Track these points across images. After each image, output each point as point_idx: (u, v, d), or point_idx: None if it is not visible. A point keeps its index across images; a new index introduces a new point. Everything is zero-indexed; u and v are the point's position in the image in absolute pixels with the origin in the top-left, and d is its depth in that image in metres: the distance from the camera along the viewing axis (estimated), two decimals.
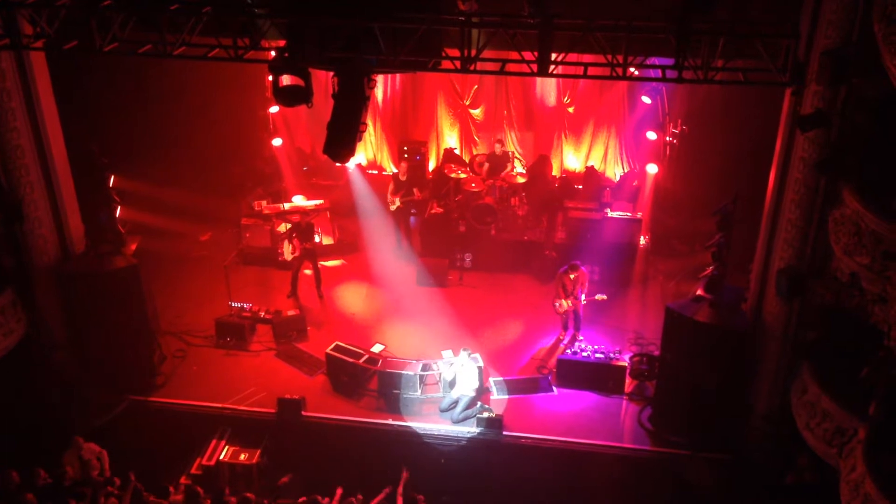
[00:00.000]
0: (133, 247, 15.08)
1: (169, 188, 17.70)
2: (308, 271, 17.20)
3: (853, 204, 10.22)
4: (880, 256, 9.82)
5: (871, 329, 10.32)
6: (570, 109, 19.68)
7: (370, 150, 20.74)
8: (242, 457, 13.39)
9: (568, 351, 15.12)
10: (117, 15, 11.69)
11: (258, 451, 13.44)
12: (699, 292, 13.47)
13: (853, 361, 10.63)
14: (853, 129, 10.77)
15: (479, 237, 18.03)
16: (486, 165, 19.05)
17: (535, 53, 11.30)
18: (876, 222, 9.86)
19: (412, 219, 18.89)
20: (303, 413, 14.00)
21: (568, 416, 14.20)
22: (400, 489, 11.94)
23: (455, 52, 11.59)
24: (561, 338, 15.78)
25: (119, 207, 14.69)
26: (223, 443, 13.66)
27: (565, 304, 15.41)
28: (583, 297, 15.36)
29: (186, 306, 16.58)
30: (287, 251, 17.60)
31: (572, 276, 15.33)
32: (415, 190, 18.24)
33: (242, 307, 16.12)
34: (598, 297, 15.29)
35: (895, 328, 8.91)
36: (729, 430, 13.14)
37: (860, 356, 10.51)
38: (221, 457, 13.40)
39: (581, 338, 15.56)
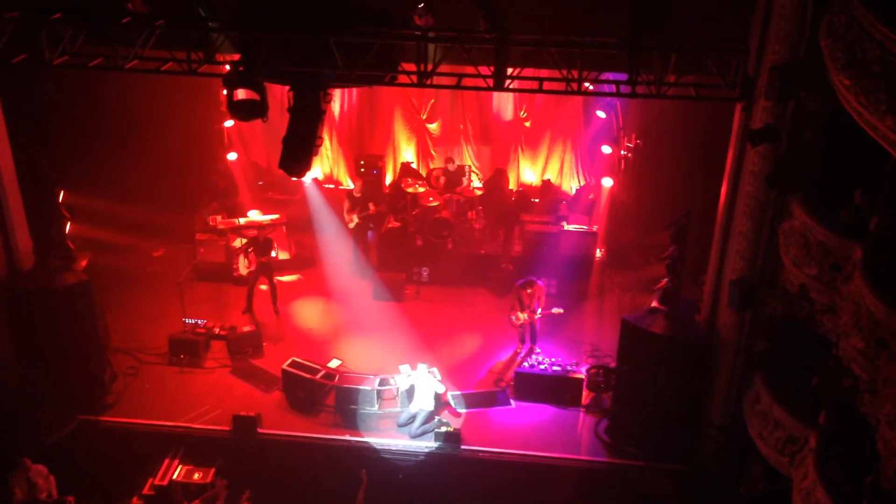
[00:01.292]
0: (84, 263, 14.79)
1: (121, 203, 17.42)
2: (264, 286, 17.04)
3: (802, 217, 10.41)
4: (828, 268, 10.01)
5: (821, 339, 10.51)
6: (527, 124, 19.82)
7: (326, 164, 20.66)
8: (196, 476, 13.17)
9: (525, 364, 15.16)
10: (67, 28, 11.52)
11: (212, 470, 13.24)
12: (654, 304, 13.63)
13: (804, 371, 10.82)
14: (802, 144, 10.99)
15: (435, 251, 18.04)
16: (443, 179, 19.10)
17: (492, 68, 11.38)
18: (824, 234, 10.05)
19: (369, 233, 18.84)
20: (258, 430, 13.83)
21: (525, 429, 14.22)
22: (361, 496, 11.88)
23: (411, 67, 11.63)
24: (518, 351, 15.83)
25: (69, 222, 14.41)
26: (176, 462, 13.44)
27: (522, 317, 15.46)
28: (539, 311, 15.43)
29: (139, 323, 16.30)
30: (242, 266, 17.44)
31: (529, 291, 15.40)
32: (370, 205, 18.20)
33: (197, 323, 15.90)
34: (555, 310, 15.39)
35: (843, 338, 9.08)
36: (684, 441, 13.27)
37: (811, 366, 10.70)
38: (175, 476, 13.18)
39: (538, 351, 15.61)
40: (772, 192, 11.33)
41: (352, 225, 18.12)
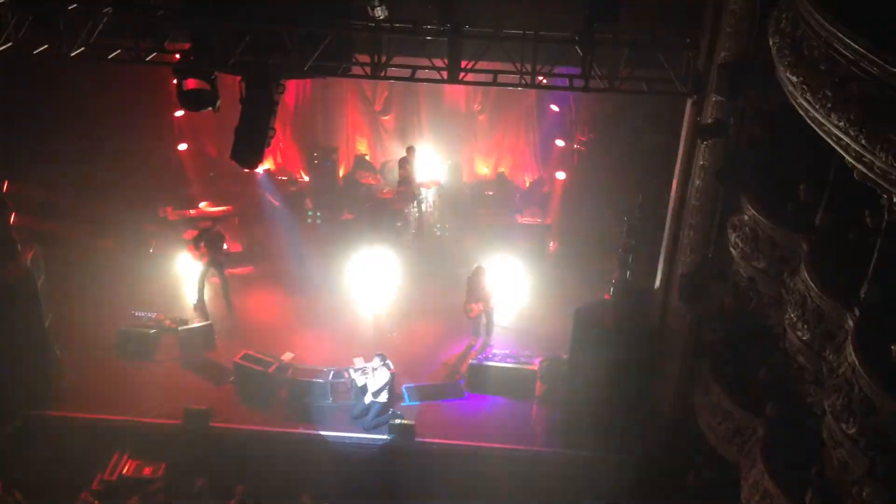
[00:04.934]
0: (28, 255, 14.45)
1: (69, 193, 17.06)
2: (215, 279, 16.82)
3: (750, 211, 10.59)
4: (776, 261, 10.21)
5: (769, 331, 10.72)
6: (481, 117, 19.84)
7: (279, 156, 20.45)
8: (146, 470, 12.99)
9: (479, 356, 15.20)
10: (11, 15, 11.23)
11: (163, 465, 13.07)
12: (606, 297, 13.76)
13: (752, 362, 11.03)
14: (750, 139, 11.18)
15: (390, 243, 17.94)
16: (397, 171, 19.04)
17: (446, 61, 11.37)
18: (771, 228, 10.24)
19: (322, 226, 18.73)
20: (210, 424, 13.68)
21: (479, 421, 14.30)
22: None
23: (365, 59, 11.56)
24: (472, 343, 15.87)
25: (13, 214, 14.06)
26: (126, 456, 13.24)
27: (475, 307, 15.51)
28: (492, 300, 15.48)
29: (87, 316, 15.97)
30: (194, 258, 17.17)
31: (479, 279, 15.45)
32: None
33: (147, 316, 15.65)
34: (508, 301, 15.49)
35: (790, 330, 9.27)
36: (635, 432, 13.44)
37: (758, 357, 10.92)
38: (124, 471, 12.99)
39: (491, 344, 15.67)
40: (721, 187, 11.51)
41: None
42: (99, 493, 12.66)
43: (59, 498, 12.19)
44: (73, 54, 11.50)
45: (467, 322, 15.81)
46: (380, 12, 11.44)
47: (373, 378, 14.02)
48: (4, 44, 11.48)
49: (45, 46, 11.64)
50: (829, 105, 7.49)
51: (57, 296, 15.22)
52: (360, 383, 14.11)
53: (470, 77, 11.78)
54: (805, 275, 9.03)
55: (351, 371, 14.27)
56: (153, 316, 15.72)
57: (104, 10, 11.34)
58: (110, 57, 11.80)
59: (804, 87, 7.92)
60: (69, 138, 17.43)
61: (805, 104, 7.96)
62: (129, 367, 15.01)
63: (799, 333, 9.07)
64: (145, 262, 17.46)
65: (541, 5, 11.84)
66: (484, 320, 15.81)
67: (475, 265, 15.68)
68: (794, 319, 9.16)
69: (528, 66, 11.55)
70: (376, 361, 14.10)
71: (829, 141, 7.74)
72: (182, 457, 13.33)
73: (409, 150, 19.17)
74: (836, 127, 7.42)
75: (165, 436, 13.60)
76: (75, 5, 11.32)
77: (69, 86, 16.61)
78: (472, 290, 15.47)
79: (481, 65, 11.74)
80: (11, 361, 13.67)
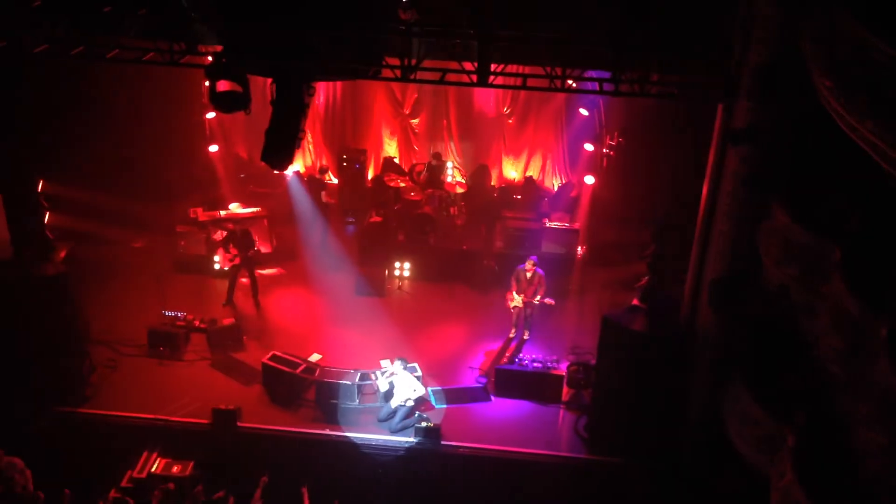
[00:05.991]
0: (62, 254, 14.63)
1: (101, 194, 17.26)
2: (245, 279, 16.96)
3: (782, 217, 10.48)
4: (808, 268, 10.09)
5: (800, 338, 10.59)
6: (510, 120, 19.83)
7: (308, 157, 20.58)
8: (175, 469, 13.10)
9: (508, 361, 15.18)
10: (48, 16, 11.39)
11: (191, 464, 13.17)
12: (634, 302, 13.67)
13: (783, 370, 10.90)
14: (783, 145, 11.06)
15: (417, 247, 18.01)
16: (425, 175, 19.08)
17: (475, 64, 11.37)
18: (803, 235, 10.12)
19: (350, 227, 18.80)
20: (238, 424, 13.77)
21: (505, 425, 14.25)
22: (258, 494, 11.86)
23: (395, 61, 11.59)
24: (510, 337, 15.96)
25: (48, 213, 14.26)
26: (155, 455, 13.36)
27: (517, 298, 15.49)
28: (537, 298, 15.48)
29: (118, 315, 16.16)
30: (223, 259, 17.33)
31: (529, 274, 15.44)
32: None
33: (176, 316, 15.80)
34: (546, 300, 15.45)
35: (822, 338, 9.15)
36: (662, 439, 13.33)
37: (789, 365, 10.79)
38: (153, 469, 13.10)
39: (527, 336, 15.82)
40: (752, 192, 11.40)
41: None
42: (128, 491, 12.76)
43: (88, 495, 12.28)
44: (107, 56, 11.64)
45: (495, 324, 15.79)
46: (410, 15, 11.47)
47: (399, 381, 14.03)
48: (40, 46, 11.64)
49: (81, 48, 11.78)
50: (864, 111, 7.40)
51: (88, 294, 15.41)
52: (383, 389, 14.12)
53: (499, 80, 11.77)
54: (838, 282, 8.91)
55: (378, 373, 14.28)
56: (183, 315, 15.86)
57: (139, 13, 11.47)
58: (144, 59, 11.92)
59: (838, 92, 7.84)
60: (103, 139, 17.67)
61: (839, 109, 7.86)
62: (158, 366, 15.16)
63: (831, 341, 8.96)
64: (175, 261, 17.61)
65: (572, 9, 11.78)
66: (522, 316, 15.83)
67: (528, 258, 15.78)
68: (827, 327, 9.04)
69: (558, 70, 11.52)
70: (397, 366, 14.09)
71: (864, 146, 7.64)
72: (210, 455, 13.41)
73: (436, 155, 19.22)
74: (871, 132, 7.33)
75: (194, 435, 13.69)
76: (111, 7, 11.46)
77: (103, 87, 16.84)
78: (518, 280, 15.55)
79: (511, 68, 11.73)
80: (44, 359, 13.86)
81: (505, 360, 15.48)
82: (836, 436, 9.43)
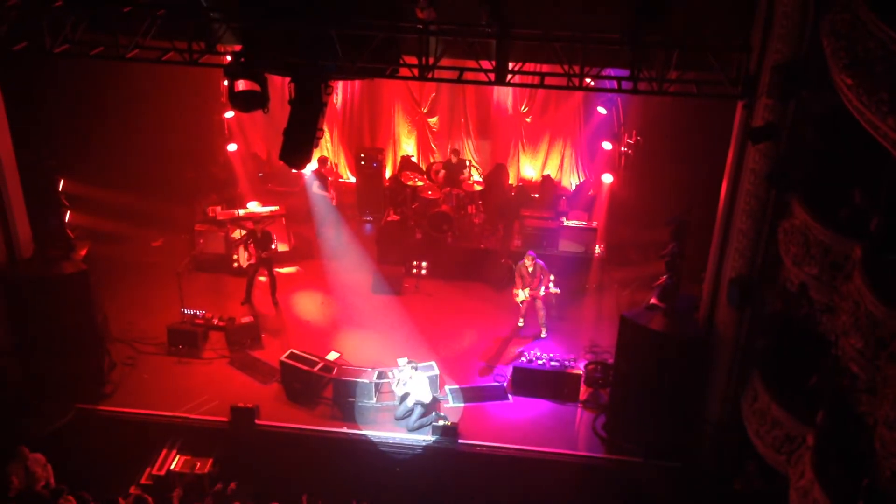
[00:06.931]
0: (83, 252, 14.75)
1: (121, 193, 17.37)
2: (263, 278, 17.03)
3: (802, 215, 10.41)
4: (828, 267, 10.02)
5: (820, 338, 10.51)
6: (527, 119, 19.79)
7: (327, 154, 20.61)
8: (194, 466, 13.18)
9: (523, 359, 15.17)
10: (69, 16, 11.49)
11: (210, 461, 13.25)
12: (653, 301, 13.63)
13: (802, 370, 10.82)
14: (802, 142, 10.98)
15: (435, 245, 18.02)
16: (443, 173, 19.08)
17: (493, 62, 11.35)
18: (823, 233, 10.05)
19: (367, 226, 18.83)
20: (256, 421, 13.84)
21: (523, 424, 14.24)
22: None
23: (413, 60, 11.60)
24: (520, 325, 16.17)
25: (68, 212, 14.39)
26: (174, 452, 13.46)
27: (522, 294, 15.49)
28: (542, 289, 15.53)
29: (138, 313, 16.29)
30: (242, 258, 17.41)
31: (529, 267, 15.50)
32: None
33: (195, 314, 15.89)
34: (552, 289, 15.48)
35: (842, 337, 9.08)
36: (681, 438, 13.29)
37: (809, 364, 10.71)
38: (172, 466, 13.19)
39: (545, 331, 15.93)
40: (772, 191, 11.33)
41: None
42: (148, 488, 12.86)
43: (109, 491, 12.39)
44: (127, 56, 11.73)
45: (512, 322, 15.78)
46: (427, 14, 11.47)
47: (416, 379, 14.03)
48: (62, 45, 11.74)
49: (101, 48, 11.87)
50: (886, 108, 7.34)
51: (108, 292, 15.53)
52: (399, 393, 14.11)
53: (517, 79, 11.76)
54: (858, 281, 8.84)
55: (395, 372, 14.28)
56: (201, 314, 15.95)
57: (158, 13, 11.55)
58: (163, 58, 12.00)
59: (860, 89, 7.77)
60: (121, 139, 17.80)
61: (860, 107, 7.80)
62: (177, 363, 15.26)
63: (852, 341, 8.89)
64: (194, 260, 17.71)
65: (590, 7, 11.75)
66: (533, 309, 15.85)
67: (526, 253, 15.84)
68: (847, 326, 8.97)
69: (576, 69, 11.49)
70: (407, 371, 14.03)
71: (886, 144, 7.57)
72: (228, 453, 13.48)
73: (455, 151, 19.21)
74: (893, 130, 7.26)
75: (213, 433, 13.77)
76: (131, 7, 11.54)
77: (123, 87, 16.97)
78: (522, 276, 15.64)
79: (528, 67, 11.71)
80: (64, 357, 13.99)
81: (517, 355, 15.49)
82: (856, 435, 9.35)
